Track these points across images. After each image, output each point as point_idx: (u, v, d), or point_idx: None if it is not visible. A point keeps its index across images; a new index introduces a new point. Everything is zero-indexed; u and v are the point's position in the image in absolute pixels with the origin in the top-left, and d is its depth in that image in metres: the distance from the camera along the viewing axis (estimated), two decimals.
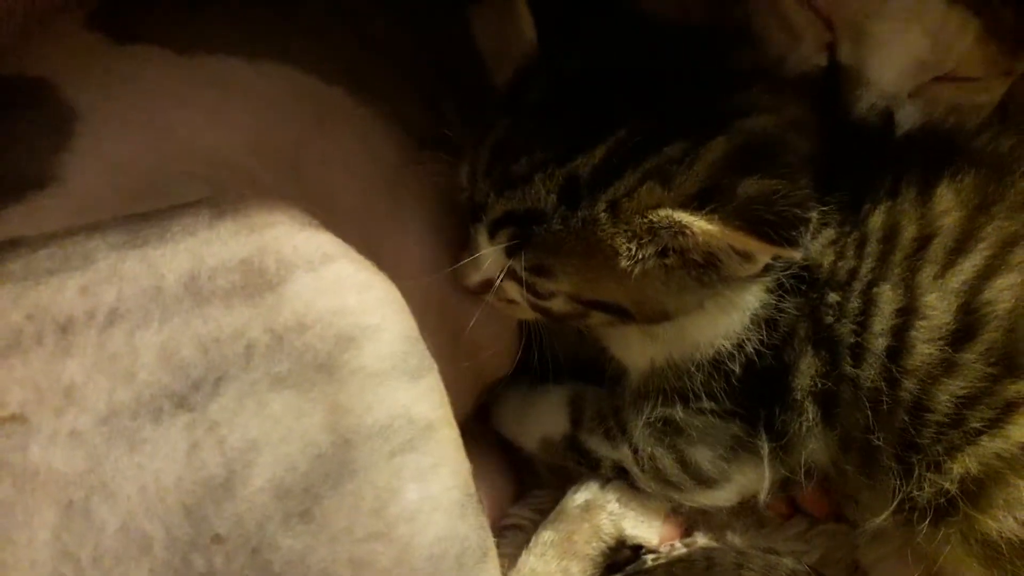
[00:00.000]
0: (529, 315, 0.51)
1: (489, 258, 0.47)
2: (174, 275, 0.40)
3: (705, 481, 0.50)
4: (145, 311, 0.39)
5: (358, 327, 0.39)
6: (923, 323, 0.45)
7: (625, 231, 0.44)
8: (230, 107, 0.48)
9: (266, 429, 0.38)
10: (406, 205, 0.53)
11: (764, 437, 0.49)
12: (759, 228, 0.41)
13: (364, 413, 0.38)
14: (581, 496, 0.53)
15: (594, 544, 0.51)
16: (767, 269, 0.46)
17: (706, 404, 0.49)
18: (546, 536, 0.52)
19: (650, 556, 0.51)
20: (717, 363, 0.48)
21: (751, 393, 0.48)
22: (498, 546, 0.51)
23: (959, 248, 0.46)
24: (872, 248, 0.47)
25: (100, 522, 0.37)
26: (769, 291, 0.47)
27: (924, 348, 0.45)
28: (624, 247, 0.44)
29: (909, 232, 0.47)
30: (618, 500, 0.52)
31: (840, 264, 0.47)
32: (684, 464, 0.50)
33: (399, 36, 0.55)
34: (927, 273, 0.46)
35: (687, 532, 0.52)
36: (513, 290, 0.49)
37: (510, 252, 0.46)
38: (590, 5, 0.50)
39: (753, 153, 0.44)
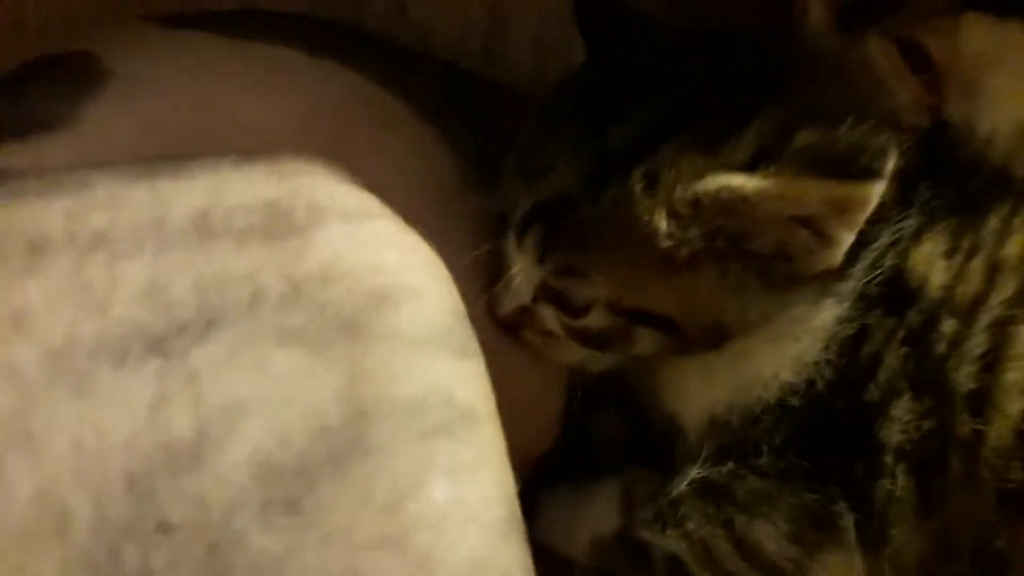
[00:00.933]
0: (571, 356, 0.43)
1: (520, 271, 0.40)
2: (183, 209, 0.33)
3: (775, 572, 0.39)
4: (138, 241, 0.31)
5: (396, 287, 0.31)
6: None
7: (664, 206, 0.36)
8: (282, 89, 0.43)
9: (261, 389, 0.29)
10: (453, 229, 0.45)
11: (846, 509, 0.38)
12: (823, 166, 0.34)
13: (391, 382, 0.29)
14: None
15: None
16: (846, 273, 0.38)
17: (767, 460, 0.39)
18: None
19: None
20: (783, 406, 0.39)
21: (822, 448, 0.38)
22: None
23: None
24: (1009, 277, 0.38)
25: (10, 483, 0.27)
26: (849, 302, 0.39)
27: None
28: (663, 226, 0.36)
29: None
30: None
31: (960, 286, 0.38)
32: (743, 548, 0.39)
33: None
34: None
35: None
36: (549, 316, 0.41)
37: (541, 257, 0.39)
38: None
39: (815, 114, 0.37)
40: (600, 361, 0.43)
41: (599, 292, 0.39)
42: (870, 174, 0.34)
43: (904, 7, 0.51)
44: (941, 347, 0.37)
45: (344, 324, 0.30)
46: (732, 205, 0.35)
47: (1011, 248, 0.39)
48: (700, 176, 0.36)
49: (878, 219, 0.38)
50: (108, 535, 0.27)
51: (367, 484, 0.27)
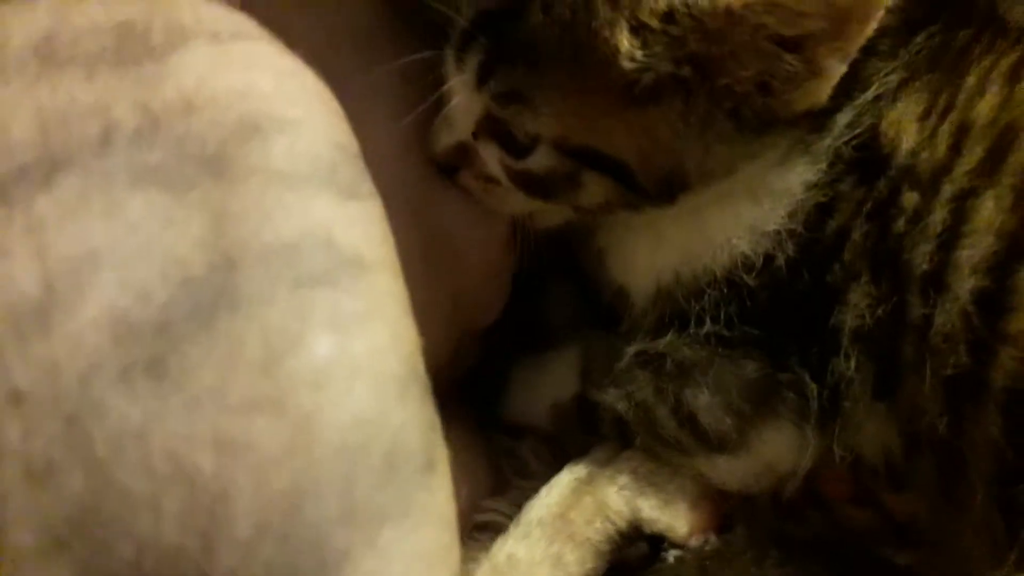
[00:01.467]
0: (514, 206, 0.38)
1: (460, 99, 0.34)
2: (23, 35, 0.28)
3: (711, 441, 0.36)
4: None
5: (269, 116, 0.27)
6: None
7: (628, 20, 0.31)
8: None
9: (115, 237, 0.25)
10: (384, 80, 0.40)
11: (793, 383, 0.35)
12: None
13: (261, 225, 0.25)
14: (583, 466, 0.39)
15: (598, 526, 0.37)
16: (824, 125, 0.33)
17: (710, 328, 0.35)
18: (534, 514, 0.38)
19: (673, 552, 0.37)
20: (733, 282, 0.35)
21: (778, 326, 0.35)
22: (469, 548, 0.38)
23: None
24: (977, 141, 0.33)
25: None
26: (822, 165, 0.34)
27: None
28: (625, 44, 0.31)
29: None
30: (633, 472, 0.38)
31: (926, 152, 0.34)
32: (679, 414, 0.37)
33: None
34: None
35: (726, 523, 0.38)
36: (491, 156, 0.36)
37: (482, 77, 0.33)
38: None
39: None
40: (546, 216, 0.39)
41: (546, 125, 0.34)
42: None
43: None
44: (900, 223, 0.33)
45: (208, 160, 0.26)
46: (712, 22, 0.30)
47: (982, 108, 0.33)
48: None
49: (868, 67, 0.33)
50: None
51: (237, 340, 0.24)
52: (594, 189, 0.35)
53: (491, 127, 0.35)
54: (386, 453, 0.25)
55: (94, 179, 0.26)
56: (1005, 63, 0.34)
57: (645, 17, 0.30)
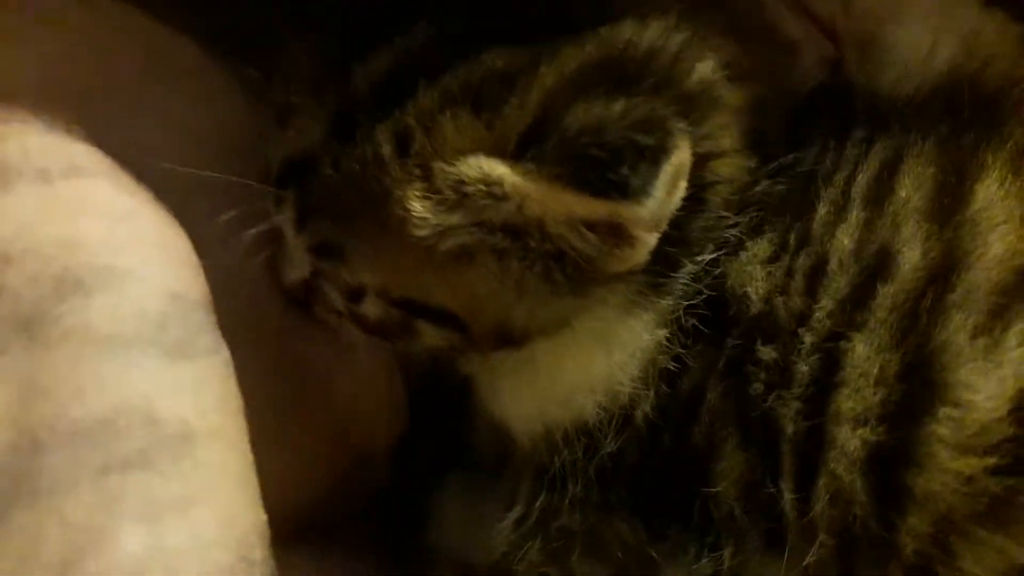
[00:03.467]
0: (372, 339, 0.34)
1: (289, 236, 0.31)
2: None
3: None
4: None
5: (94, 269, 0.25)
6: (952, 414, 0.27)
7: (420, 183, 0.28)
8: (37, 35, 0.34)
9: None
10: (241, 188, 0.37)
11: (682, 549, 0.31)
12: (584, 170, 0.26)
13: (72, 398, 0.23)
14: None
15: None
16: (663, 284, 0.30)
17: (579, 491, 0.32)
18: None
19: None
20: (593, 438, 0.31)
21: (645, 480, 0.32)
22: None
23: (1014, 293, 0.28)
24: (835, 278, 0.30)
25: None
26: (664, 330, 0.31)
27: (952, 462, 0.27)
28: (418, 208, 0.28)
29: (911, 258, 0.29)
30: None
31: (778, 299, 0.30)
32: None
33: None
34: (955, 328, 0.28)
35: None
36: (334, 296, 0.33)
37: (298, 225, 0.31)
38: None
39: (620, 72, 0.29)
40: (411, 348, 0.35)
41: (365, 277, 0.31)
42: (624, 190, 0.26)
43: None
44: (759, 382, 0.30)
45: (22, 322, 0.24)
46: (500, 197, 0.27)
47: (841, 236, 0.30)
48: (466, 143, 0.27)
49: (701, 221, 0.30)
50: None
51: (34, 537, 0.22)
52: (431, 335, 0.32)
53: (322, 271, 0.32)
54: None
55: None
56: (863, 179, 0.31)
57: (438, 183, 0.28)
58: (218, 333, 0.26)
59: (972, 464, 0.27)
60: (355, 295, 0.31)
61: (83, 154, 0.27)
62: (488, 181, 0.27)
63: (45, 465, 0.22)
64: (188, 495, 0.23)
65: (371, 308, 0.31)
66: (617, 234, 0.27)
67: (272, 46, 0.35)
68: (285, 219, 0.30)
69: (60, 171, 0.26)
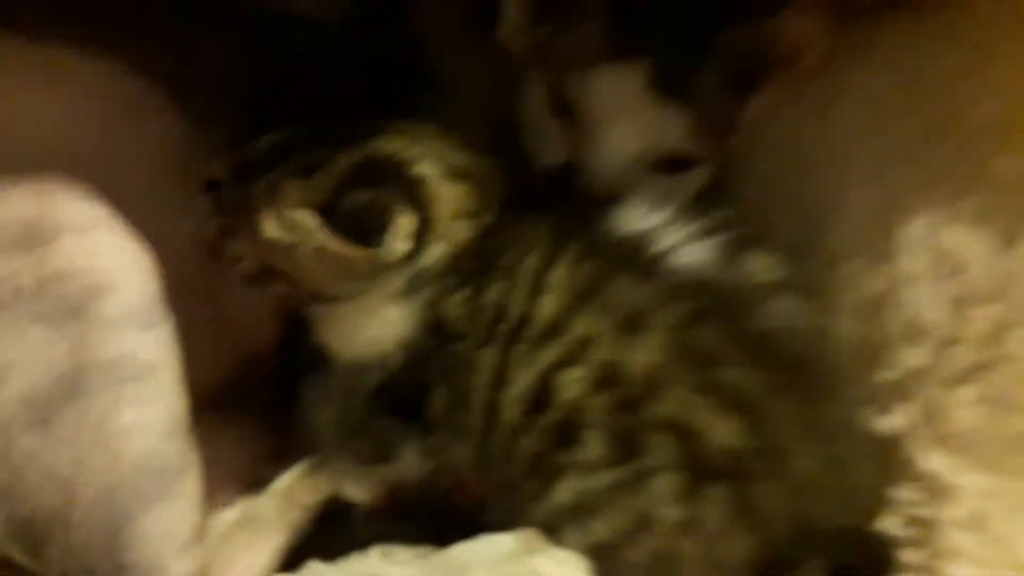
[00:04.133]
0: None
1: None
2: None
3: (375, 458, 0.62)
4: None
5: (108, 283, 0.50)
6: (507, 389, 0.54)
7: (274, 216, 0.53)
8: (50, 87, 0.57)
9: (21, 352, 0.48)
10: (190, 188, 0.59)
11: (415, 439, 0.59)
12: (349, 234, 0.51)
13: (100, 349, 0.49)
14: (309, 461, 0.64)
15: (312, 496, 0.62)
16: (413, 298, 0.56)
17: (363, 398, 0.59)
18: (276, 486, 0.63)
19: (358, 511, 0.62)
20: (373, 366, 0.58)
21: (397, 399, 0.59)
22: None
23: (548, 334, 0.53)
24: (485, 317, 0.55)
25: None
26: (412, 325, 0.56)
27: (508, 409, 0.54)
28: (270, 227, 0.53)
29: (515, 311, 0.54)
30: (341, 467, 0.63)
31: (464, 322, 0.55)
32: (357, 444, 0.62)
33: (224, 43, 0.65)
34: (521, 348, 0.54)
35: (391, 498, 0.64)
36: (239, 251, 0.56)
37: (213, 213, 0.55)
38: None
39: (372, 170, 0.54)
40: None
41: (245, 249, 0.54)
42: (369, 244, 0.51)
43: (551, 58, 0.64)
44: (450, 361, 0.56)
45: (71, 310, 0.49)
46: (311, 232, 0.52)
47: (489, 293, 0.55)
48: (298, 199, 0.52)
49: (422, 278, 0.55)
50: None
51: (85, 411, 0.48)
52: (277, 286, 0.56)
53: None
54: (159, 469, 0.49)
55: (10, 319, 0.49)
56: (562, 265, 0.55)
57: (283, 218, 0.53)
58: (165, 313, 0.52)
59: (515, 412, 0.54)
60: (239, 256, 0.55)
61: (97, 213, 0.50)
62: (305, 225, 0.53)
63: (88, 380, 0.48)
64: (153, 395, 0.49)
65: (248, 266, 0.55)
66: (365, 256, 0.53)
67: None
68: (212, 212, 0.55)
69: (84, 226, 0.50)
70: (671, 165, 0.64)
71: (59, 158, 0.54)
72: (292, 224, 0.53)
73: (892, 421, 0.57)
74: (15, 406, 0.48)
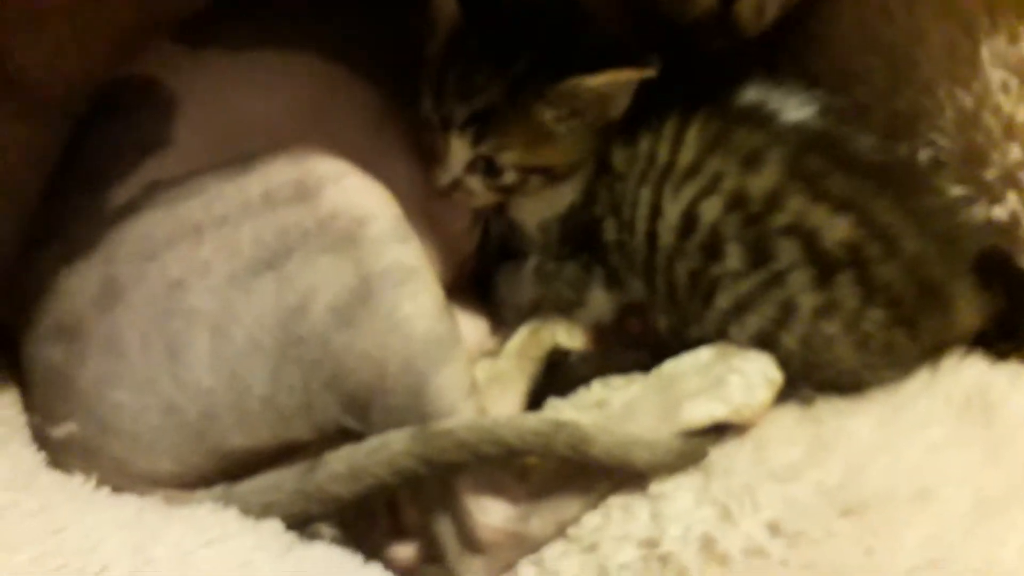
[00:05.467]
0: (482, 201, 0.76)
1: (458, 156, 0.71)
2: (256, 192, 0.66)
3: (573, 304, 0.78)
4: (242, 214, 0.66)
5: (367, 214, 0.66)
6: (663, 220, 0.69)
7: (549, 104, 0.68)
8: (271, 83, 0.74)
9: (319, 276, 0.65)
10: (393, 140, 0.78)
11: (599, 273, 0.75)
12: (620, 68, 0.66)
13: (375, 262, 0.65)
14: (530, 323, 0.80)
15: (538, 349, 0.79)
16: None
17: (555, 249, 0.75)
18: (509, 347, 0.79)
19: (574, 355, 0.78)
20: (562, 217, 0.75)
21: (580, 239, 0.75)
22: (478, 368, 0.79)
23: (688, 175, 0.68)
24: (640, 163, 0.70)
25: (233, 336, 0.65)
26: (588, 176, 0.73)
27: (664, 235, 0.69)
28: (550, 115, 0.68)
29: (662, 159, 0.69)
30: (553, 322, 0.79)
31: (625, 165, 0.71)
32: (551, 292, 0.78)
33: (378, 31, 0.81)
34: (669, 188, 0.69)
35: (597, 339, 0.80)
36: (474, 183, 0.73)
37: (475, 142, 0.68)
38: None
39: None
40: (496, 201, 0.77)
41: (513, 158, 0.69)
42: (640, 64, 0.66)
43: None
44: (618, 198, 0.72)
45: (347, 238, 0.65)
46: (581, 90, 0.66)
47: (642, 145, 0.71)
48: (562, 80, 0.66)
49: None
50: (280, 345, 0.64)
51: (377, 308, 0.63)
52: (535, 183, 0.71)
53: (476, 167, 0.70)
54: (437, 340, 0.64)
55: (304, 254, 0.64)
56: (695, 126, 0.69)
57: (555, 101, 0.67)
58: (411, 228, 0.68)
59: (670, 238, 0.69)
60: (501, 172, 0.70)
61: (343, 166, 0.65)
62: (577, 87, 0.67)
63: (373, 286, 0.64)
64: (420, 289, 0.64)
65: (509, 176, 0.71)
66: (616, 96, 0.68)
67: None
68: (462, 144, 0.69)
69: (338, 176, 0.66)
70: None
71: (293, 132, 0.71)
72: (563, 95, 0.67)
73: (1008, 207, 0.70)
74: (326, 316, 0.65)
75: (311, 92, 0.75)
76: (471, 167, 0.72)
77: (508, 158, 0.70)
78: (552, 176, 0.73)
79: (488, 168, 0.72)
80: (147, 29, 0.79)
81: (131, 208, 0.67)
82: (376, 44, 0.80)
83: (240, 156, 0.68)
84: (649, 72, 0.67)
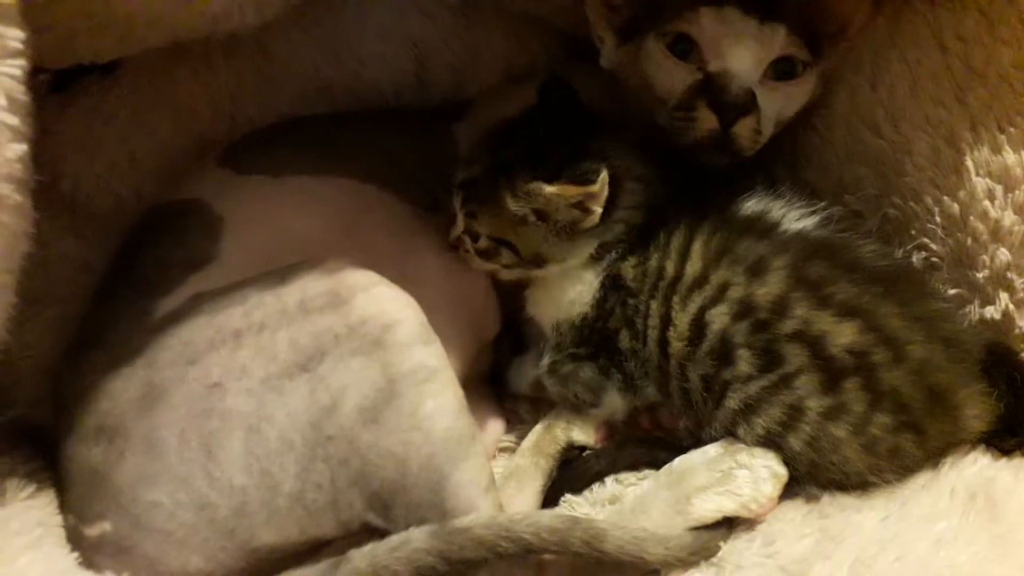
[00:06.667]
0: (480, 266, 0.80)
1: (459, 215, 0.78)
2: (293, 300, 0.71)
3: (586, 402, 0.80)
4: (280, 321, 0.71)
5: (393, 320, 0.70)
6: (674, 329, 0.72)
7: (514, 196, 0.74)
8: (309, 205, 0.81)
9: (350, 377, 0.69)
10: (422, 238, 0.84)
11: (616, 378, 0.77)
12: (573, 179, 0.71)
13: (401, 364, 0.69)
14: (545, 420, 0.84)
15: (553, 447, 0.82)
16: (599, 258, 0.76)
17: (570, 351, 0.78)
18: (525, 444, 0.83)
19: (589, 451, 0.82)
20: (575, 323, 0.78)
21: (596, 345, 0.77)
22: (495, 464, 0.83)
23: (695, 286, 0.72)
24: (650, 278, 0.74)
25: (266, 435, 0.68)
26: (599, 283, 0.77)
27: (675, 344, 0.72)
28: (514, 205, 0.74)
29: (670, 272, 0.73)
30: (567, 419, 0.83)
31: (637, 282, 0.75)
32: (572, 394, 0.81)
33: (407, 150, 0.88)
34: (677, 299, 0.72)
35: (609, 435, 0.83)
36: (467, 242, 0.78)
37: (462, 205, 0.77)
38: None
39: (583, 154, 0.74)
40: (502, 275, 0.81)
41: (483, 228, 0.76)
42: (587, 182, 0.70)
43: (664, 10, 0.81)
44: (630, 311, 0.76)
45: (375, 342, 0.69)
46: (539, 195, 0.71)
47: (652, 261, 0.75)
48: (529, 175, 0.72)
49: (610, 247, 0.77)
50: (310, 444, 0.68)
51: (401, 408, 0.67)
52: (504, 256, 0.76)
53: (466, 229, 0.77)
54: (458, 438, 0.68)
55: (336, 357, 0.69)
56: (700, 239, 0.73)
57: (519, 193, 0.73)
58: (434, 331, 0.73)
59: (680, 345, 0.72)
60: (477, 238, 0.77)
61: (374, 276, 0.71)
62: (536, 191, 0.71)
63: (399, 387, 0.69)
64: (442, 388, 0.69)
65: (483, 243, 0.77)
66: (586, 209, 0.72)
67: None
68: (457, 206, 0.77)
69: (368, 285, 0.71)
70: (782, 70, 0.79)
71: (328, 247, 0.77)
72: (527, 194, 0.73)
73: (1000, 307, 0.74)
74: (354, 415, 0.69)
75: (345, 210, 0.82)
76: (465, 227, 0.79)
77: (479, 226, 0.77)
78: (521, 258, 0.77)
79: (470, 233, 0.79)
80: (191, 151, 0.86)
81: (175, 317, 0.72)
82: (403, 156, 0.86)
83: (279, 269, 0.73)
84: (592, 189, 0.71)
